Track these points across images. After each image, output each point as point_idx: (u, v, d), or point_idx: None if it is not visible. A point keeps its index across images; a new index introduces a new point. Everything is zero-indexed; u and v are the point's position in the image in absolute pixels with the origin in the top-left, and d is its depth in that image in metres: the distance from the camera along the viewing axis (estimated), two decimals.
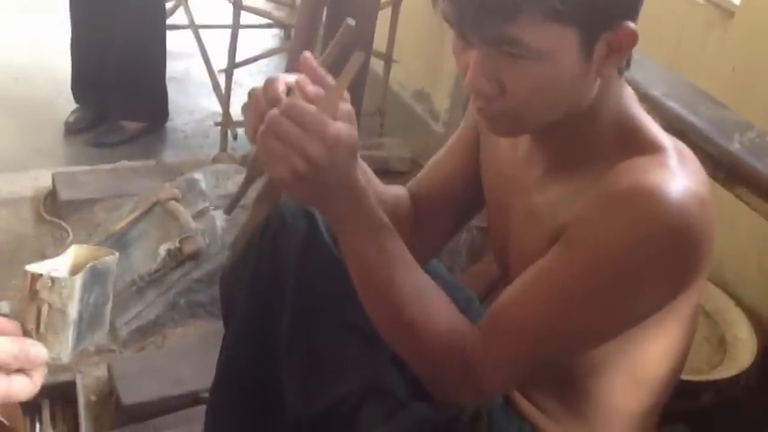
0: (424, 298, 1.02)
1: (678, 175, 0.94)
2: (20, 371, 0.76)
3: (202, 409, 1.53)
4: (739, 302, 1.87)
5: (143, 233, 2.25)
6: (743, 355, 1.76)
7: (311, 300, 1.21)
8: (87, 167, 2.73)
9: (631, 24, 0.94)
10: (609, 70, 0.98)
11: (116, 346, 2.00)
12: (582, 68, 0.95)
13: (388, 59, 3.07)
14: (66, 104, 3.18)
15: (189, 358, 1.92)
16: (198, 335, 2.08)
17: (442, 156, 1.33)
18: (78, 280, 0.78)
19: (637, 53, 1.01)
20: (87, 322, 0.81)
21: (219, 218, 2.21)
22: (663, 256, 0.93)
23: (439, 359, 1.01)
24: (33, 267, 0.78)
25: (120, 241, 2.26)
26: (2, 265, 2.27)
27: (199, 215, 2.22)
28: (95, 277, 0.81)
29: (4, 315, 1.98)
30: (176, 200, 2.27)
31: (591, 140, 1.02)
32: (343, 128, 0.91)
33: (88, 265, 0.80)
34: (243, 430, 1.34)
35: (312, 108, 0.90)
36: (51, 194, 2.57)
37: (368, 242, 0.99)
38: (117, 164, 2.76)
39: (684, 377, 1.60)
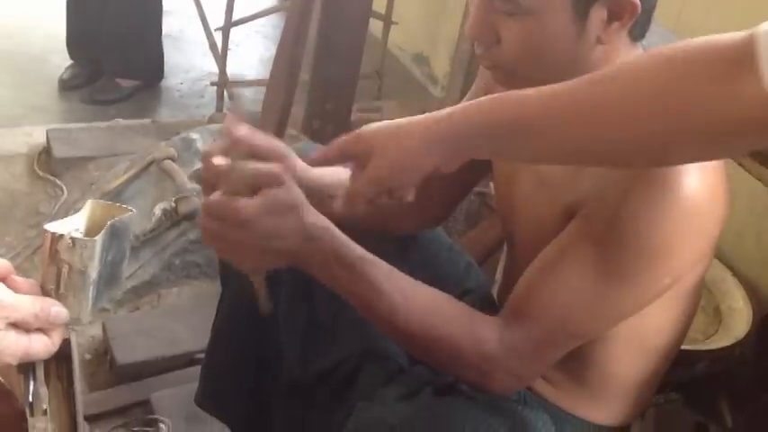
0: (432, 314, 0.99)
1: None
2: (39, 330, 0.76)
3: (197, 369, 1.53)
4: (736, 273, 1.86)
5: (138, 192, 2.24)
6: (738, 326, 1.76)
7: None
8: (82, 125, 2.71)
9: None
10: (611, 37, 0.97)
11: (111, 306, 2.00)
12: (574, 31, 0.96)
13: (387, 21, 3.03)
14: (61, 61, 3.15)
15: (184, 319, 1.92)
16: (193, 295, 2.08)
17: None
18: (99, 241, 0.77)
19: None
20: (105, 280, 0.80)
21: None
22: (685, 227, 0.92)
23: (467, 366, 1.00)
24: (52, 227, 0.77)
25: (115, 200, 2.24)
26: None
27: (195, 175, 2.20)
28: (113, 235, 0.80)
29: None
30: (172, 159, 2.25)
31: None
32: (252, 205, 0.87)
33: (108, 224, 0.79)
34: (238, 391, 1.34)
35: (220, 199, 0.87)
36: (46, 151, 2.55)
37: (355, 284, 0.97)
38: (112, 122, 2.74)
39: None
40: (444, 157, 0.90)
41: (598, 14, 0.95)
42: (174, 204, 2.11)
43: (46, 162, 2.52)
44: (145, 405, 1.74)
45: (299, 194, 0.90)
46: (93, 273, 0.78)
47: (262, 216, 0.87)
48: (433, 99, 3.18)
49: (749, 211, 1.89)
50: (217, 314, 1.36)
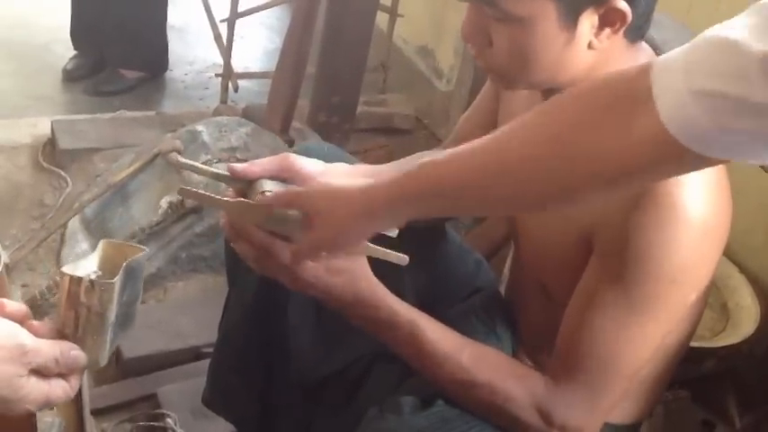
0: (485, 370, 1.01)
1: None
2: (58, 375, 0.75)
3: (203, 364, 1.52)
4: (744, 270, 1.86)
5: (144, 185, 2.23)
6: (746, 323, 1.76)
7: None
8: (87, 116, 2.70)
9: (620, 2, 0.93)
10: (604, 43, 0.98)
11: None
12: (564, 38, 0.96)
13: (393, 13, 3.02)
14: (65, 51, 3.13)
15: (190, 312, 1.91)
16: (199, 289, 2.07)
17: (470, 112, 1.33)
18: (117, 282, 0.76)
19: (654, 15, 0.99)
20: (120, 321, 0.79)
21: (222, 170, 2.17)
22: (699, 244, 0.93)
23: (525, 424, 1.01)
24: (69, 270, 0.77)
25: (120, 192, 2.23)
26: (0, 213, 2.25)
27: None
28: (129, 276, 0.79)
29: (5, 264, 1.97)
30: (178, 151, 2.24)
31: None
32: (313, 267, 0.98)
33: (124, 265, 0.78)
34: (245, 391, 1.34)
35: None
36: (50, 142, 2.54)
37: (400, 346, 1.03)
38: (117, 113, 2.73)
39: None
40: (385, 222, 0.95)
41: (588, 21, 0.95)
42: (180, 197, 2.10)
43: (50, 153, 2.51)
44: (151, 399, 1.74)
45: (357, 260, 0.98)
46: (112, 315, 0.77)
47: (318, 273, 0.97)
48: (438, 92, 3.16)
49: (758, 207, 1.89)
50: (224, 314, 1.36)
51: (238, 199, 0.98)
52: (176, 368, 1.80)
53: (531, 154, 0.81)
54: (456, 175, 0.87)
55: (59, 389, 0.75)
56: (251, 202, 0.98)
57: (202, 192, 1.04)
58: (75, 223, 2.24)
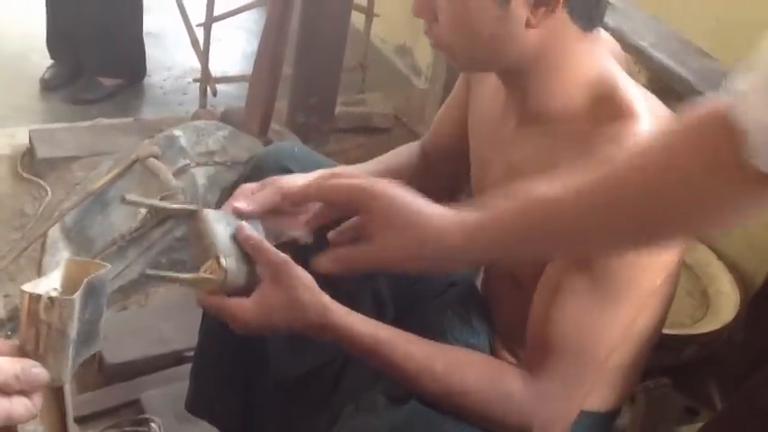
0: (460, 377, 1.01)
1: None
2: (20, 392, 0.75)
3: (186, 368, 1.52)
4: (721, 256, 1.87)
5: (123, 191, 2.22)
6: (725, 309, 1.77)
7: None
8: (65, 125, 2.69)
9: None
10: (544, 22, 0.98)
11: None
12: (499, 12, 0.97)
13: (369, 13, 3.02)
14: (42, 60, 3.12)
15: (172, 317, 1.91)
16: (180, 294, 2.06)
17: (444, 107, 1.33)
18: (77, 299, 0.76)
19: (621, 4, 1.00)
20: (83, 338, 0.79)
21: (200, 175, 2.18)
22: None
23: (505, 423, 1.01)
24: (29, 287, 0.76)
25: (99, 200, 2.23)
26: None
27: (179, 172, 2.19)
28: (91, 292, 0.79)
29: None
30: (156, 157, 2.23)
31: (558, 96, 1.02)
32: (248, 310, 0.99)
33: (85, 282, 0.77)
34: (228, 394, 1.34)
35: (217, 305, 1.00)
36: (29, 152, 2.53)
37: (371, 360, 1.01)
38: (95, 121, 2.72)
39: (667, 331, 1.61)
40: (471, 265, 0.98)
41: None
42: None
43: (29, 163, 2.50)
44: (135, 405, 1.73)
45: (295, 292, 0.97)
46: (73, 331, 0.77)
47: (258, 317, 0.97)
48: (417, 90, 3.17)
49: None
50: (203, 318, 1.36)
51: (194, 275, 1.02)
52: (159, 373, 1.80)
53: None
54: (575, 206, 0.82)
55: (21, 406, 0.75)
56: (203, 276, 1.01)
57: (166, 274, 1.11)
58: (55, 232, 2.23)
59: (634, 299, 0.97)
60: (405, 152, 1.37)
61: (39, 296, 0.75)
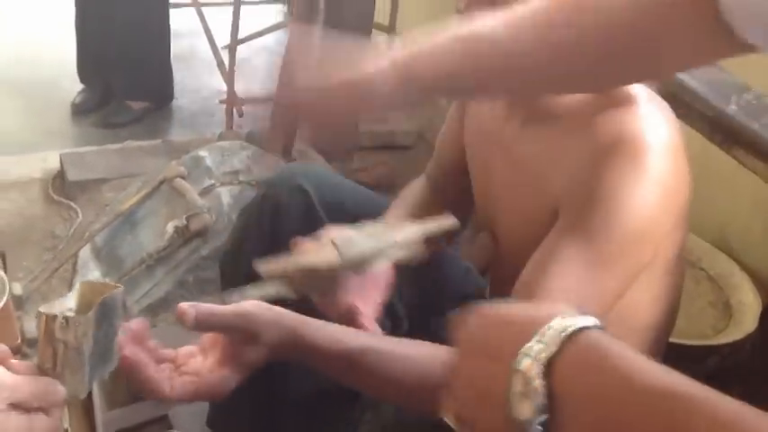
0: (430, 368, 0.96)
1: (655, 124, 0.98)
2: (39, 409, 0.78)
3: None
4: (743, 266, 1.87)
5: (151, 211, 2.27)
6: (748, 320, 1.77)
7: None
8: (95, 148, 2.75)
9: None
10: None
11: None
12: None
13: (391, 32, 3.05)
14: (73, 85, 3.20)
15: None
16: None
17: (443, 132, 1.36)
18: (92, 318, 0.80)
19: None
20: (99, 356, 0.83)
21: (225, 194, 2.22)
22: (658, 197, 0.96)
23: None
24: (45, 309, 0.81)
25: (128, 220, 2.28)
26: (13, 246, 2.30)
27: (205, 192, 2.23)
28: (105, 312, 0.82)
29: (17, 296, 2.01)
30: (182, 177, 2.28)
31: None
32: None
33: (98, 302, 0.81)
34: (248, 409, 1.36)
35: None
36: (60, 175, 2.59)
37: (346, 378, 0.98)
38: (124, 144, 2.78)
39: (689, 342, 1.62)
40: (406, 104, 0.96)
41: None
42: (185, 222, 2.14)
43: (60, 186, 2.56)
44: (163, 421, 1.76)
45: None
46: (88, 349, 0.80)
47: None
48: (440, 107, 3.19)
49: (753, 204, 1.90)
50: None
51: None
52: None
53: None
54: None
55: (41, 422, 0.78)
56: None
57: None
58: (86, 252, 2.28)
59: (623, 273, 0.98)
60: (415, 189, 1.38)
61: (55, 316, 0.79)
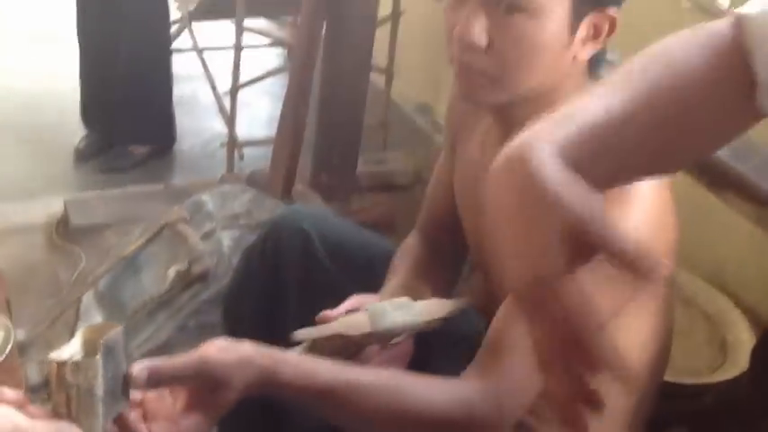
0: (401, 393, 1.01)
1: None
2: None
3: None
4: (739, 304, 1.88)
5: (153, 256, 2.30)
6: (744, 357, 1.77)
7: (314, 318, 1.25)
8: (97, 193, 2.78)
9: (614, 10, 1.00)
10: (584, 55, 1.04)
11: None
12: (564, 41, 1.02)
13: (388, 74, 3.10)
14: (77, 131, 3.23)
15: None
16: None
17: (433, 184, 1.39)
18: (99, 359, 0.83)
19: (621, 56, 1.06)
20: (111, 396, 0.86)
21: (226, 238, 2.25)
22: (645, 233, 0.99)
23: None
24: (54, 356, 0.84)
25: (131, 265, 2.30)
26: (17, 292, 2.31)
27: (206, 236, 2.26)
28: (109, 351, 0.85)
29: (20, 342, 2.03)
30: (184, 222, 2.31)
31: None
32: None
33: (101, 342, 0.84)
34: None
35: None
36: (63, 221, 2.62)
37: (322, 409, 1.00)
38: (126, 188, 2.82)
39: (684, 380, 1.63)
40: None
41: (586, 27, 1.02)
42: (187, 266, 2.16)
43: (64, 231, 2.59)
44: None
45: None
46: (100, 390, 0.84)
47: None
48: (437, 147, 3.22)
49: (749, 241, 1.92)
50: None
51: None
52: None
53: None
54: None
55: None
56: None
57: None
58: (89, 298, 2.30)
59: (614, 295, 0.98)
60: (410, 248, 1.39)
61: (65, 362, 0.82)
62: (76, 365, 0.83)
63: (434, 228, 1.40)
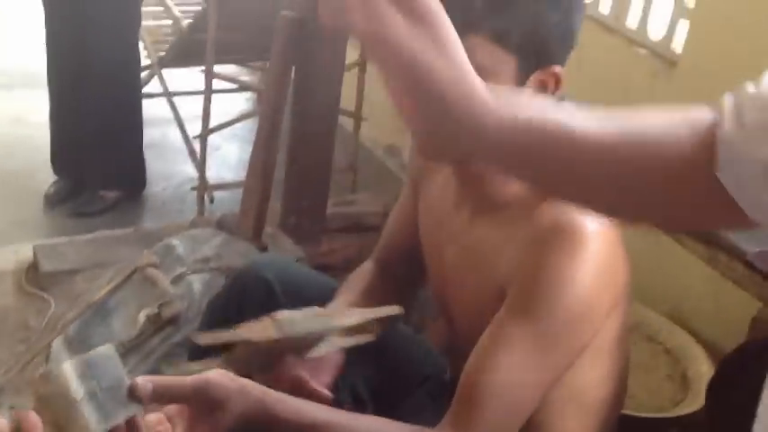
0: None
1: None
2: None
3: None
4: (697, 336, 1.93)
5: (123, 301, 2.30)
6: (704, 390, 1.81)
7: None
8: (67, 238, 2.78)
9: (559, 68, 1.05)
10: None
11: None
12: (516, 85, 1.05)
13: (357, 117, 3.16)
14: (47, 177, 3.24)
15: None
16: None
17: (393, 216, 1.43)
18: (67, 365, 0.85)
19: (583, 101, 1.11)
20: (109, 400, 0.87)
21: (196, 281, 2.26)
22: (597, 280, 1.04)
23: None
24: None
25: (101, 310, 2.30)
26: None
27: (176, 280, 2.27)
28: (93, 366, 0.87)
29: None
30: (154, 266, 2.33)
31: (513, 181, 1.11)
32: None
33: (78, 356, 0.87)
34: None
35: None
36: (33, 267, 2.62)
37: None
38: (96, 233, 2.82)
39: (647, 414, 1.67)
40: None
41: (532, 83, 1.07)
42: (157, 310, 2.17)
43: (33, 277, 2.59)
44: None
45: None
46: (78, 395, 0.85)
47: None
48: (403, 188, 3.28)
49: (706, 277, 1.97)
50: None
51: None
52: None
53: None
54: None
55: None
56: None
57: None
58: (58, 343, 2.30)
59: (566, 356, 1.05)
60: (363, 274, 1.44)
61: (37, 378, 0.85)
62: (45, 377, 0.86)
63: (390, 256, 1.44)
